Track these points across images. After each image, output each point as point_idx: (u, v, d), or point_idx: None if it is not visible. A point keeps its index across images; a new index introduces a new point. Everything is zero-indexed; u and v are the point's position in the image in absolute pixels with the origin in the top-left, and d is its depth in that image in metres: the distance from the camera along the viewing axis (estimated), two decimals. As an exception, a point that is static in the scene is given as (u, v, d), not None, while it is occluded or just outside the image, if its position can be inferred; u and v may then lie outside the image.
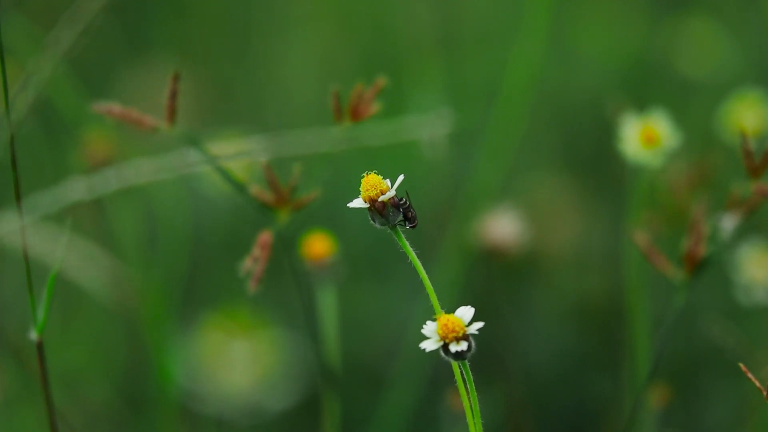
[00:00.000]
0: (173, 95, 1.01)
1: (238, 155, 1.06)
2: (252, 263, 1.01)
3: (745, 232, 1.56)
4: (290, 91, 2.27)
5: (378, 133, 1.08)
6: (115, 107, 1.02)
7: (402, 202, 0.85)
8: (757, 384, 0.87)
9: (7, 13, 1.66)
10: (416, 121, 1.11)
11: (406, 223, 0.86)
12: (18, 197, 0.95)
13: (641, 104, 1.43)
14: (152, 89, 2.11)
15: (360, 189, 0.85)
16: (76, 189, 1.01)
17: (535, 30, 1.55)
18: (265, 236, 1.02)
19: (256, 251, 1.02)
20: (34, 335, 0.95)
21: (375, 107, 1.05)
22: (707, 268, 1.08)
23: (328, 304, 1.25)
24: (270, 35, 2.40)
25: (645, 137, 1.33)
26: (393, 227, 0.85)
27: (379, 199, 0.84)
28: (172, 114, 1.01)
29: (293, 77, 2.30)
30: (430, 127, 1.12)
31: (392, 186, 0.85)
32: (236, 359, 1.66)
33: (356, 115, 1.05)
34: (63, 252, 0.95)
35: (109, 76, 2.23)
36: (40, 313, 0.94)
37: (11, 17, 1.65)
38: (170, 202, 1.68)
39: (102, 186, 1.02)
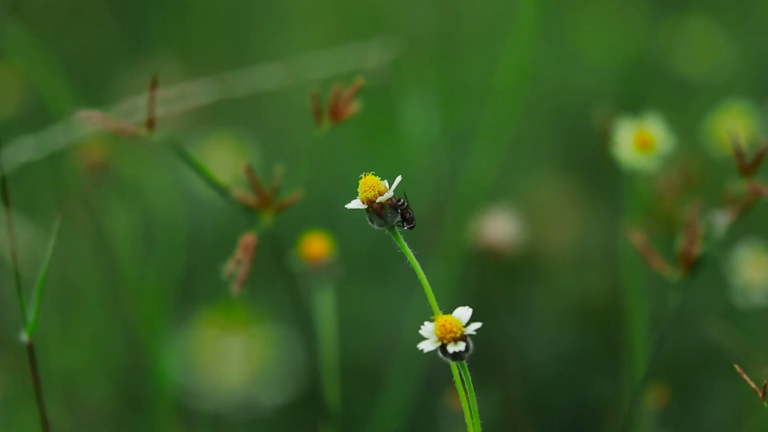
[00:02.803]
0: (152, 102, 1.01)
1: (183, 99, 1.06)
2: (235, 266, 1.01)
3: (741, 233, 1.56)
4: (289, 91, 2.27)
5: (322, 63, 1.07)
6: (96, 114, 1.02)
7: (400, 203, 0.85)
8: (753, 386, 0.87)
9: (3, 16, 1.66)
10: (360, 49, 1.11)
11: (404, 224, 0.86)
12: (7, 202, 0.95)
13: (640, 104, 1.42)
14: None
15: (358, 190, 0.85)
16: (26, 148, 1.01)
17: (530, 28, 1.55)
18: (248, 238, 1.02)
19: (239, 254, 1.01)
20: (24, 337, 0.95)
21: (354, 107, 1.05)
22: (704, 268, 1.08)
23: (326, 304, 1.25)
24: (270, 35, 2.40)
25: (639, 142, 1.32)
26: (391, 228, 0.85)
27: (377, 200, 0.84)
28: (151, 121, 1.01)
29: (292, 77, 2.29)
30: (374, 54, 1.12)
31: (390, 187, 0.85)
32: (230, 355, 1.66)
33: (335, 115, 1.04)
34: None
35: (109, 76, 2.23)
36: (31, 315, 0.94)
37: (7, 21, 1.66)
38: (166, 202, 1.68)
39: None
